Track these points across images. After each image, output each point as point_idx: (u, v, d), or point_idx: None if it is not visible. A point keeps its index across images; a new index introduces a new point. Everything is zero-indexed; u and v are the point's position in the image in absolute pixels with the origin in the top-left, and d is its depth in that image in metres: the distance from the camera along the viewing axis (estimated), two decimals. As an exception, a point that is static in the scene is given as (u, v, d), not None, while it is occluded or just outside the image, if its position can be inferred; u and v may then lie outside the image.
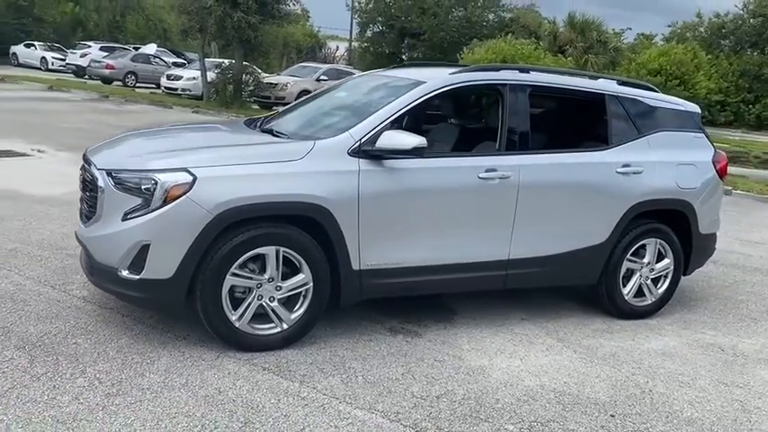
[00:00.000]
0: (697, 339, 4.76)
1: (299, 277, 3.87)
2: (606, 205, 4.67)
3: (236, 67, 19.64)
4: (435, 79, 4.39)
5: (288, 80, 21.54)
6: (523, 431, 3.28)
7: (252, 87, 19.83)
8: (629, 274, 4.96)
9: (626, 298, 4.93)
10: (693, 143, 5.15)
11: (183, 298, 3.65)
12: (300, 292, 3.91)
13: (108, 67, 26.23)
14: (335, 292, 4.02)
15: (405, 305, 4.71)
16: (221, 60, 21.94)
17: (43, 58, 32.64)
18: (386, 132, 3.97)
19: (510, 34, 38.69)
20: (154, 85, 25.77)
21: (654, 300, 5.07)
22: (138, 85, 26.56)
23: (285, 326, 3.90)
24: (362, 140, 3.97)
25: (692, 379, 4.07)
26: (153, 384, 3.36)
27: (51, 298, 4.36)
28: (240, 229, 3.67)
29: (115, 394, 3.23)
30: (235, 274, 3.71)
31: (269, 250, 3.75)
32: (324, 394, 3.44)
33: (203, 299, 3.67)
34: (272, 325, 3.88)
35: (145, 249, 3.56)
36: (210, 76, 20.14)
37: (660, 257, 5.03)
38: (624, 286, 4.93)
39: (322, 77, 21.79)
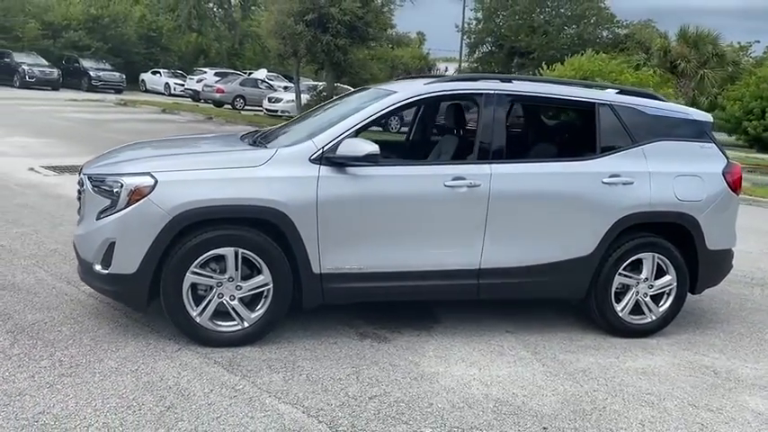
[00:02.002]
0: (692, 361, 4.47)
1: (259, 278, 4.07)
2: (590, 216, 4.52)
3: (328, 88, 20.41)
4: (405, 90, 4.48)
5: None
6: (440, 435, 3.27)
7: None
8: (624, 289, 4.75)
9: (620, 315, 4.72)
10: (700, 154, 4.86)
11: (146, 292, 3.94)
12: (262, 292, 4.10)
13: (218, 90, 28.03)
14: (298, 294, 4.18)
15: (389, 313, 4.79)
16: (316, 83, 22.83)
17: (167, 83, 35.36)
18: (345, 140, 4.11)
19: (621, 52, 37.36)
20: (260, 108, 27.21)
21: (655, 318, 4.81)
22: (245, 107, 28.14)
23: (246, 324, 4.10)
24: (325, 148, 4.13)
25: (659, 400, 3.85)
26: (105, 369, 3.67)
27: (61, 292, 4.82)
28: (199, 231, 3.93)
29: (68, 375, 3.56)
30: (195, 273, 3.96)
31: (227, 251, 3.98)
32: (259, 388, 3.59)
33: (165, 294, 3.96)
34: (234, 323, 4.09)
35: (112, 246, 3.90)
36: (305, 97, 21.01)
37: (661, 274, 4.77)
38: (618, 302, 4.72)
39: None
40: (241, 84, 29.02)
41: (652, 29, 45.03)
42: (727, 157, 4.96)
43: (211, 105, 27.98)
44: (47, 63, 31.90)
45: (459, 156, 4.55)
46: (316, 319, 4.55)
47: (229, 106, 28.04)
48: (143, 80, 37.11)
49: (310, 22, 18.02)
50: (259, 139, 4.63)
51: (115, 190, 3.93)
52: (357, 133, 4.25)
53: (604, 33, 44.09)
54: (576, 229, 4.52)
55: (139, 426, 3.12)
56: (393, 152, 5.60)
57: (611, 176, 4.56)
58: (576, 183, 4.52)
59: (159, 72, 36.82)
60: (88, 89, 32.19)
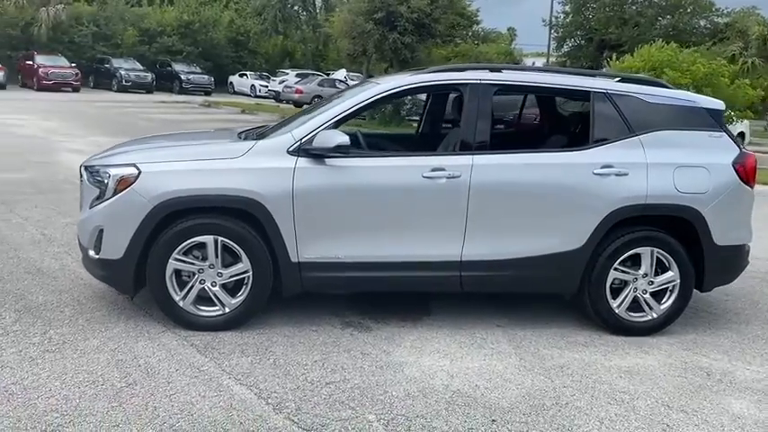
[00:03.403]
0: (688, 361, 4.25)
1: (239, 266, 4.22)
2: (579, 209, 4.38)
3: (396, 86, 20.46)
4: (389, 82, 4.50)
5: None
6: (382, 422, 3.29)
7: (410, 106, 20.53)
8: (622, 285, 4.57)
9: (616, 311, 4.55)
10: (707, 143, 4.59)
11: (132, 277, 4.18)
12: (243, 279, 4.25)
13: (297, 91, 28.78)
14: (277, 282, 4.30)
15: (382, 304, 4.84)
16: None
17: (252, 85, 36.66)
18: (321, 132, 4.19)
19: (719, 42, 35.22)
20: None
21: (656, 316, 4.60)
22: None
23: (227, 309, 4.26)
24: (303, 140, 4.23)
25: (631, 399, 3.70)
26: (88, 347, 3.93)
27: (78, 277, 5.16)
28: (180, 219, 4.13)
29: (51, 351, 3.84)
30: (177, 259, 4.16)
31: (208, 239, 4.15)
32: (223, 370, 3.74)
33: (150, 279, 4.18)
34: (216, 308, 4.26)
35: (101, 233, 4.16)
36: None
37: (663, 269, 4.55)
38: (614, 298, 4.55)
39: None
40: (319, 84, 29.65)
41: (757, 16, 42.24)
42: (739, 147, 4.66)
43: (291, 106, 28.77)
44: (142, 67, 33.85)
45: (446, 147, 4.52)
46: (304, 308, 4.66)
47: (308, 106, 28.73)
48: (231, 82, 38.62)
49: (379, 20, 18.21)
50: (252, 134, 4.79)
51: (104, 180, 4.19)
52: (337, 125, 4.31)
53: (701, 23, 41.93)
54: (564, 221, 4.40)
55: (96, 398, 3.33)
56: (401, 145, 5.63)
57: (602, 167, 4.40)
58: (563, 174, 4.39)
59: (246, 74, 38.21)
60: (179, 92, 33.88)
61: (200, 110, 25.12)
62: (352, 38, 19.20)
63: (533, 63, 52.01)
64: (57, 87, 29.77)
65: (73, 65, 31.27)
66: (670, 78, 13.45)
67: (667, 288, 4.59)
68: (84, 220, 4.34)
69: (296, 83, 29.97)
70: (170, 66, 35.42)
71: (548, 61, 50.44)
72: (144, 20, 37.61)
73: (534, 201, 4.37)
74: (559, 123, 4.89)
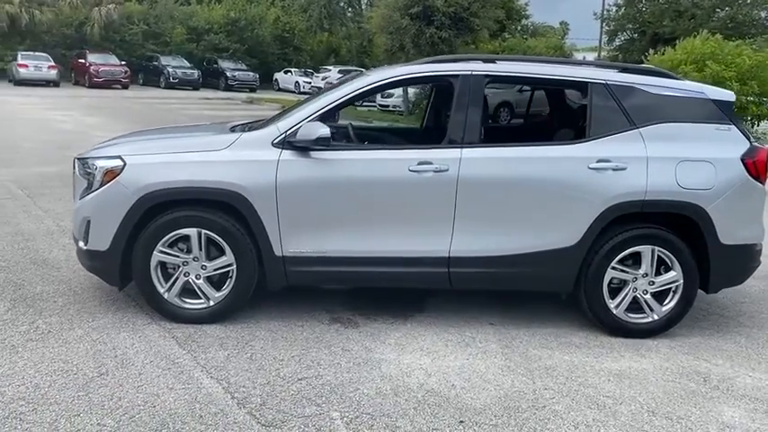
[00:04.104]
0: (686, 366, 4.04)
1: (223, 259, 4.20)
2: (574, 204, 4.21)
3: (435, 82, 20.30)
4: (377, 74, 4.41)
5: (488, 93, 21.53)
6: (345, 420, 3.22)
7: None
8: (621, 284, 4.37)
9: (614, 312, 4.36)
10: (713, 137, 4.35)
11: (118, 268, 4.20)
12: (228, 272, 4.24)
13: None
14: (262, 276, 4.27)
15: (376, 300, 4.77)
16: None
17: (297, 82, 36.89)
18: (305, 124, 4.13)
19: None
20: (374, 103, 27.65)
21: (657, 317, 4.39)
22: (364, 103, 28.71)
23: (211, 302, 4.25)
24: (287, 132, 4.18)
25: (615, 404, 3.53)
26: (70, 337, 3.97)
27: (81, 268, 5.13)
28: (164, 211, 4.14)
29: (34, 340, 3.90)
30: (162, 251, 4.17)
31: (191, 232, 4.15)
32: (197, 363, 3.73)
33: (136, 271, 4.21)
34: (201, 301, 4.26)
35: (88, 224, 4.21)
36: (412, 92, 21.08)
37: (665, 269, 4.34)
38: (613, 298, 4.36)
39: (525, 87, 21.41)
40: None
41: (822, 8, 40.26)
42: (750, 141, 4.40)
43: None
44: (189, 65, 34.49)
45: (436, 140, 4.40)
46: (296, 302, 4.63)
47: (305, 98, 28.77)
48: (276, 79, 38.98)
49: (415, 15, 18.07)
50: (244, 127, 4.76)
51: (92, 172, 4.22)
52: (322, 117, 4.25)
53: (762, 14, 40.27)
54: (557, 217, 4.23)
55: (65, 387, 3.36)
56: (402, 138, 5.54)
57: (599, 161, 4.21)
58: (556, 168, 4.22)
59: (290, 71, 38.51)
60: (225, 88, 34.39)
61: (241, 106, 25.45)
62: (389, 33, 19.11)
63: (584, 58, 50.96)
64: (107, 85, 30.59)
65: (123, 63, 32.08)
66: (713, 71, 12.93)
67: (670, 289, 4.37)
68: (75, 211, 4.40)
69: (337, 79, 30.02)
70: (216, 63, 35.99)
71: (599, 55, 49.27)
72: (192, 18, 38.29)
73: (525, 196, 4.22)
74: (555, 115, 4.71)
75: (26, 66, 29.28)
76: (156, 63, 34.29)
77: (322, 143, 4.05)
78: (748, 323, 4.82)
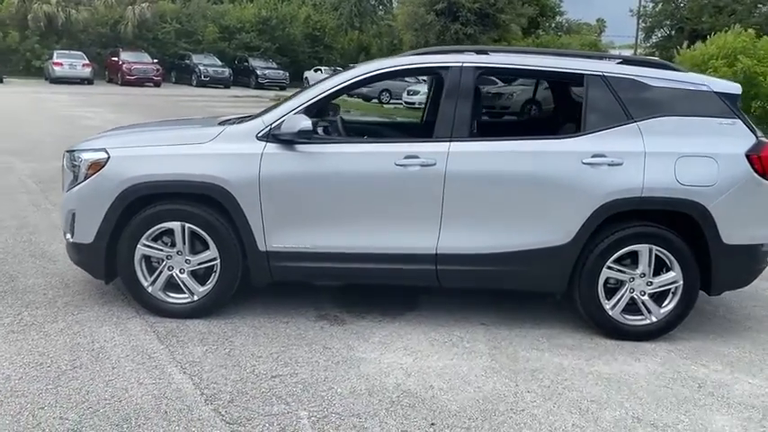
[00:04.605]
0: (682, 371, 3.85)
1: (207, 253, 4.15)
2: (566, 201, 4.05)
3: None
4: (363, 66, 4.32)
5: (515, 90, 21.17)
6: (312, 420, 3.14)
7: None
8: (618, 285, 4.20)
9: (609, 313, 4.19)
10: (717, 131, 4.14)
11: (103, 261, 4.18)
12: (212, 267, 4.19)
13: (365, 85, 28.76)
14: (246, 271, 4.21)
15: (368, 297, 4.68)
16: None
17: (325, 79, 37.03)
18: (287, 117, 4.06)
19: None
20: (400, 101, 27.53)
21: (656, 320, 4.21)
22: (391, 101, 28.61)
23: (195, 297, 4.21)
24: (272, 125, 4.11)
25: (599, 409, 3.37)
26: (52, 329, 3.96)
27: (76, 261, 5.26)
28: (147, 204, 4.10)
29: (16, 332, 3.90)
30: (146, 245, 4.14)
31: (175, 225, 4.11)
32: (173, 358, 3.68)
33: (120, 264, 4.18)
34: (185, 295, 4.22)
35: (74, 216, 4.20)
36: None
37: (665, 269, 4.16)
38: (608, 299, 4.19)
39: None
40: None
41: None
42: (756, 136, 4.18)
43: (360, 100, 28.82)
44: (220, 63, 34.86)
45: (424, 133, 4.29)
46: (285, 298, 4.57)
47: (376, 101, 28.70)
48: (306, 77, 39.08)
49: (440, 11, 17.91)
50: (233, 121, 4.70)
51: (78, 164, 4.21)
52: (307, 110, 4.17)
53: (808, 7, 38.99)
54: (549, 214, 4.08)
55: (36, 380, 3.34)
56: (404, 133, 5.43)
57: (593, 156, 4.04)
58: (549, 163, 4.07)
59: (320, 69, 38.57)
60: (255, 87, 34.64)
61: (269, 105, 25.52)
62: (414, 30, 18.99)
63: (619, 54, 49.94)
64: (139, 83, 31.10)
65: (155, 61, 32.58)
66: (745, 66, 12.52)
67: (669, 290, 4.18)
68: (62, 203, 4.40)
69: (365, 77, 29.93)
70: (247, 61, 36.29)
71: (635, 53, 48.33)
72: (224, 16, 38.72)
73: (516, 192, 4.07)
74: (550, 109, 4.55)
75: (61, 64, 29.94)
76: (187, 61, 34.74)
77: (304, 136, 3.97)
78: (756, 327, 4.60)
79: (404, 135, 5.02)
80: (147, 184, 4.06)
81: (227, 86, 33.95)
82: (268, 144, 4.08)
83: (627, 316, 4.22)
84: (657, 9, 42.99)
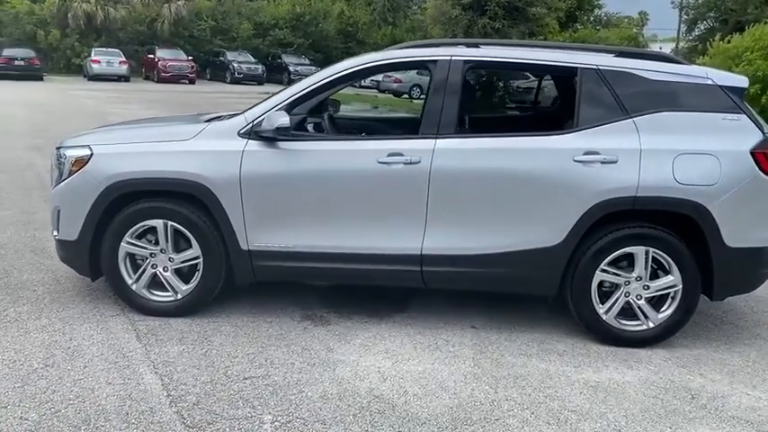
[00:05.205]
0: (676, 381, 3.65)
1: (190, 252, 4.11)
2: (556, 200, 3.87)
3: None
4: (350, 60, 4.21)
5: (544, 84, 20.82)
6: (276, 424, 3.05)
7: (501, 93, 19.71)
8: (613, 288, 4.02)
9: (603, 318, 4.00)
10: (719, 127, 3.91)
11: (87, 258, 4.17)
12: (196, 265, 4.13)
13: (395, 81, 28.65)
14: (229, 270, 4.15)
15: (359, 298, 4.60)
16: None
17: (358, 76, 36.99)
18: (268, 114, 3.97)
19: None
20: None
21: (653, 325, 4.01)
22: (421, 96, 28.42)
23: (179, 296, 4.16)
24: (254, 122, 4.03)
25: (579, 419, 3.21)
26: (34, 327, 3.96)
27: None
28: (131, 202, 4.07)
29: (-3, 328, 3.91)
30: (129, 243, 4.11)
31: (157, 223, 4.07)
32: (147, 358, 3.64)
33: (104, 262, 4.16)
34: (168, 294, 4.18)
35: (59, 213, 4.19)
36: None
37: (663, 272, 3.96)
38: (603, 303, 4.01)
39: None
40: (418, 73, 29.29)
41: None
42: (763, 132, 3.94)
43: (391, 96, 28.70)
44: (254, 60, 35.07)
45: (409, 130, 4.16)
46: (272, 297, 4.50)
47: (407, 96, 28.53)
48: (337, 73, 39.22)
49: (467, 5, 17.66)
50: (219, 118, 4.64)
51: (63, 161, 4.20)
52: (291, 107, 4.08)
53: None
54: (539, 214, 3.91)
55: (5, 378, 3.33)
56: (396, 128, 5.30)
57: (586, 154, 3.86)
58: (538, 160, 3.90)
59: (352, 65, 38.64)
60: (288, 83, 34.71)
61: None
62: (442, 24, 18.76)
63: (660, 48, 48.76)
64: (174, 80, 31.49)
65: (190, 58, 32.96)
66: (780, 59, 11.98)
67: (668, 294, 3.98)
68: (50, 199, 4.39)
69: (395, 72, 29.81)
70: (280, 58, 36.41)
71: (677, 46, 47.08)
72: (258, 13, 38.93)
73: (504, 190, 3.92)
74: (541, 104, 4.37)
75: (98, 61, 30.47)
76: (222, 58, 35.04)
77: (282, 133, 3.88)
78: (764, 335, 4.36)
79: (393, 131, 4.88)
80: (130, 182, 4.03)
81: (260, 83, 34.13)
82: (250, 141, 4.01)
83: (622, 321, 4.03)
84: (701, 0, 41.78)
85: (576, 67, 4.01)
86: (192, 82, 32.03)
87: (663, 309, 4.00)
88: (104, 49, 31.84)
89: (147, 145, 4.14)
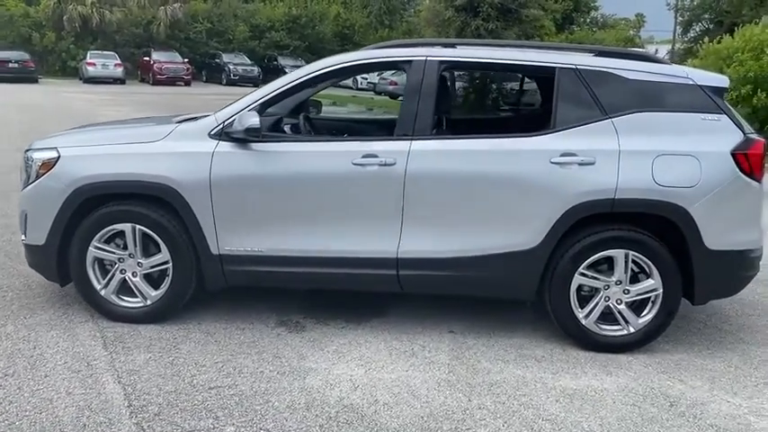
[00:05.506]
0: (655, 387, 3.56)
1: (159, 256, 4.01)
2: (533, 202, 3.78)
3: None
4: (323, 61, 4.12)
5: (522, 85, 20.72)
6: (238, 436, 2.95)
7: (479, 94, 19.58)
8: (592, 292, 3.92)
9: (583, 322, 3.91)
10: (699, 127, 3.82)
11: (55, 263, 4.06)
12: (165, 270, 4.04)
13: (391, 83, 28.52)
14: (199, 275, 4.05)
15: (338, 303, 4.50)
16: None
17: (354, 78, 36.86)
18: (239, 114, 3.88)
19: None
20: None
21: (633, 330, 3.92)
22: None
23: (148, 302, 4.06)
24: (225, 123, 3.94)
25: (553, 428, 3.11)
26: (1, 334, 3.86)
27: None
28: (99, 205, 3.97)
29: (-39, 336, 3.81)
30: (97, 247, 4.01)
31: (126, 227, 3.97)
32: (111, 366, 3.54)
33: (72, 267, 4.06)
34: (138, 299, 4.08)
35: (26, 217, 4.09)
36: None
37: (644, 276, 3.87)
38: (582, 307, 3.92)
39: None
40: (415, 75, 29.24)
41: None
42: (744, 132, 3.85)
43: (387, 98, 28.62)
44: (250, 62, 35.01)
45: (383, 131, 4.07)
46: (249, 302, 4.41)
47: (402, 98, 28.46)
48: (333, 74, 39.15)
49: (460, 6, 17.58)
50: (196, 118, 4.54)
51: (30, 164, 4.11)
52: (263, 107, 3.99)
53: None
54: (515, 217, 3.82)
55: (-38, 389, 3.23)
56: (374, 130, 5.20)
57: (563, 155, 3.77)
58: (514, 162, 3.81)
59: (348, 66, 38.56)
60: (284, 85, 34.66)
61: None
62: (435, 26, 18.68)
63: (656, 50, 48.67)
64: (170, 82, 31.42)
65: (185, 60, 32.90)
66: (771, 59, 11.93)
67: (648, 298, 3.89)
68: (18, 204, 4.30)
69: (391, 74, 29.71)
70: (276, 60, 36.35)
71: (673, 48, 47.03)
72: (255, 15, 38.88)
73: (480, 193, 3.82)
74: (518, 105, 4.28)
75: (94, 64, 30.43)
76: (218, 60, 34.99)
77: (252, 134, 3.79)
78: (748, 339, 4.26)
79: (370, 133, 4.79)
80: (97, 184, 3.93)
81: (256, 85, 33.90)
82: (221, 142, 3.92)
83: (602, 326, 3.94)
84: (696, 2, 41.76)
85: (554, 67, 3.92)
86: (187, 84, 31.96)
87: (643, 313, 3.91)
88: (100, 52, 31.80)
89: (115, 147, 4.04)
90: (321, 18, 39.80)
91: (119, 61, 31.19)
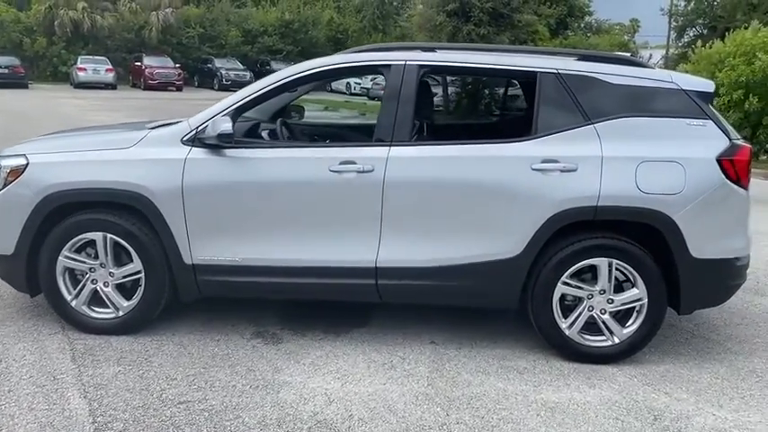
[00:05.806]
0: (640, 400, 3.46)
1: (131, 266, 3.90)
2: (514, 210, 3.69)
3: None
4: (300, 65, 4.03)
5: (503, 90, 20.70)
6: (204, 454, 2.84)
7: (460, 99, 19.58)
8: (575, 302, 3.83)
9: (566, 333, 3.82)
10: (684, 133, 3.74)
11: (24, 273, 3.94)
12: (138, 280, 3.93)
13: (382, 89, 28.51)
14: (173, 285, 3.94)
15: (321, 311, 4.40)
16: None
17: (348, 83, 36.79)
18: (211, 120, 3.78)
19: None
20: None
21: (618, 341, 3.82)
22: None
23: (120, 313, 3.95)
24: (198, 128, 3.84)
25: (532, 444, 3.01)
26: (-33, 346, 3.74)
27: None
28: (69, 214, 3.86)
29: (-73, 348, 3.69)
30: (67, 257, 3.89)
31: (97, 236, 3.86)
32: (78, 380, 3.42)
33: (41, 277, 3.94)
34: (109, 310, 3.97)
35: (-8, 227, 3.97)
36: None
37: (629, 285, 3.78)
38: (565, 317, 3.82)
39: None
40: (408, 80, 29.23)
41: None
42: (730, 138, 3.76)
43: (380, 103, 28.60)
44: (242, 67, 34.94)
45: (361, 138, 3.98)
46: (226, 312, 4.30)
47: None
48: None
49: (452, 12, 17.54)
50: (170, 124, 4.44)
51: (-1, 172, 4.00)
52: (237, 112, 3.89)
53: None
54: (496, 224, 3.72)
55: None
56: (353, 135, 5.10)
57: (544, 162, 3.68)
58: (494, 169, 3.71)
59: (341, 72, 38.50)
60: (276, 90, 34.58)
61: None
62: (427, 31, 18.64)
63: (650, 55, 48.80)
64: (162, 87, 31.31)
65: (177, 65, 32.79)
66: (764, 64, 11.90)
67: (633, 308, 3.80)
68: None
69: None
70: (269, 65, 36.23)
71: (667, 53, 47.15)
72: (247, 20, 38.83)
73: (459, 200, 3.73)
74: (500, 110, 4.19)
75: (84, 69, 30.33)
76: (210, 65, 34.93)
77: (224, 140, 3.69)
78: (736, 349, 4.17)
79: (349, 138, 4.70)
80: (67, 192, 3.82)
81: (248, 90, 33.96)
82: (193, 149, 3.81)
83: (586, 336, 3.84)
84: (689, 8, 41.92)
85: (535, 72, 3.83)
86: (179, 89, 31.86)
87: (628, 323, 3.82)
88: (91, 57, 31.69)
89: (85, 153, 3.93)
90: (314, 23, 39.77)
91: (110, 66, 31.08)
